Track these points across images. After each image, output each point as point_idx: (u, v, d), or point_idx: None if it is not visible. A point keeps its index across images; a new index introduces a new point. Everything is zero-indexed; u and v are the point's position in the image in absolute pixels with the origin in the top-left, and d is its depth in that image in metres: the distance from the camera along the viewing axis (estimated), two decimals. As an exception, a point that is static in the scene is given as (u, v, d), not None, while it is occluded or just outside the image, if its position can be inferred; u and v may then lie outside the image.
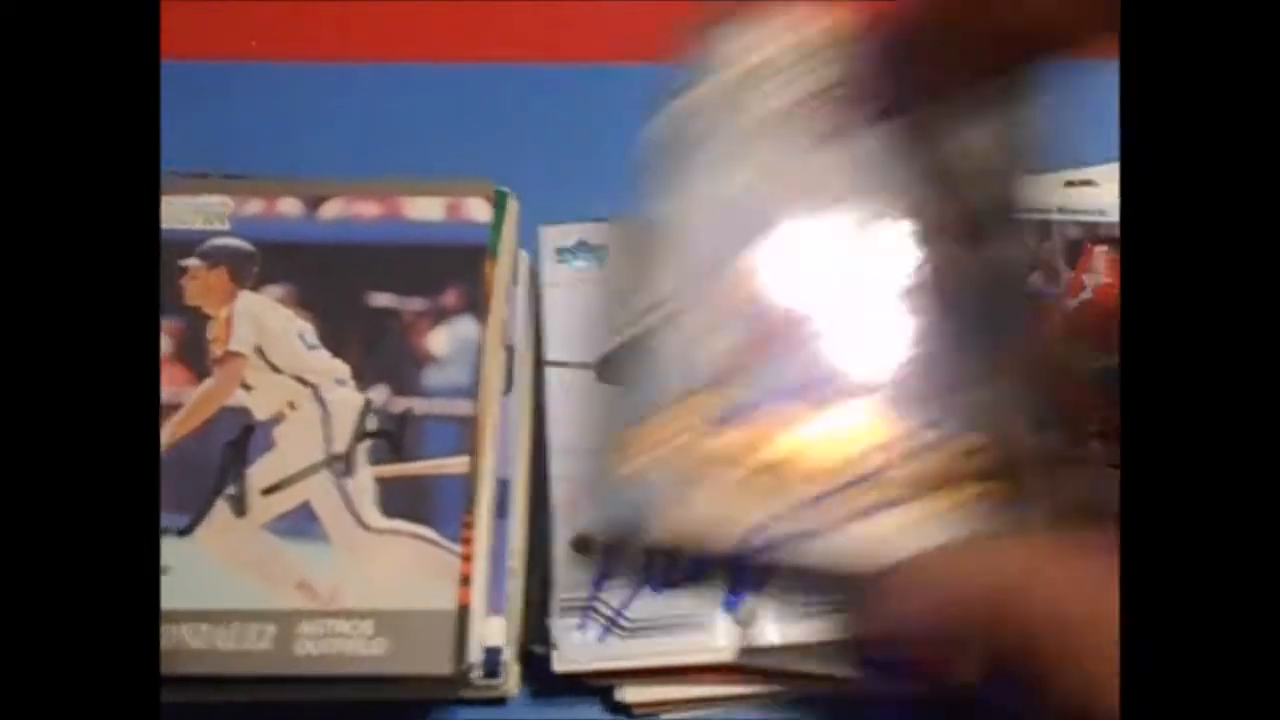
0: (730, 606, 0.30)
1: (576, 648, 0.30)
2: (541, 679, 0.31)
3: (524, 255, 0.37)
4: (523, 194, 0.36)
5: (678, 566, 0.30)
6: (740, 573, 0.30)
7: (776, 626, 0.30)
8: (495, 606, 0.30)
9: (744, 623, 0.30)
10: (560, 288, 0.35)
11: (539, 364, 0.34)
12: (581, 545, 0.31)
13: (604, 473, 0.31)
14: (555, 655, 0.30)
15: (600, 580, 0.31)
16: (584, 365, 0.33)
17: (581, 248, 0.36)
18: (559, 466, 0.32)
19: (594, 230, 0.36)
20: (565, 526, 0.31)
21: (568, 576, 0.31)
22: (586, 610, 0.31)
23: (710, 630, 0.30)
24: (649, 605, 0.30)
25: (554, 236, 0.36)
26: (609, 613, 0.30)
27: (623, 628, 0.30)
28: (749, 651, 0.30)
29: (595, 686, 0.31)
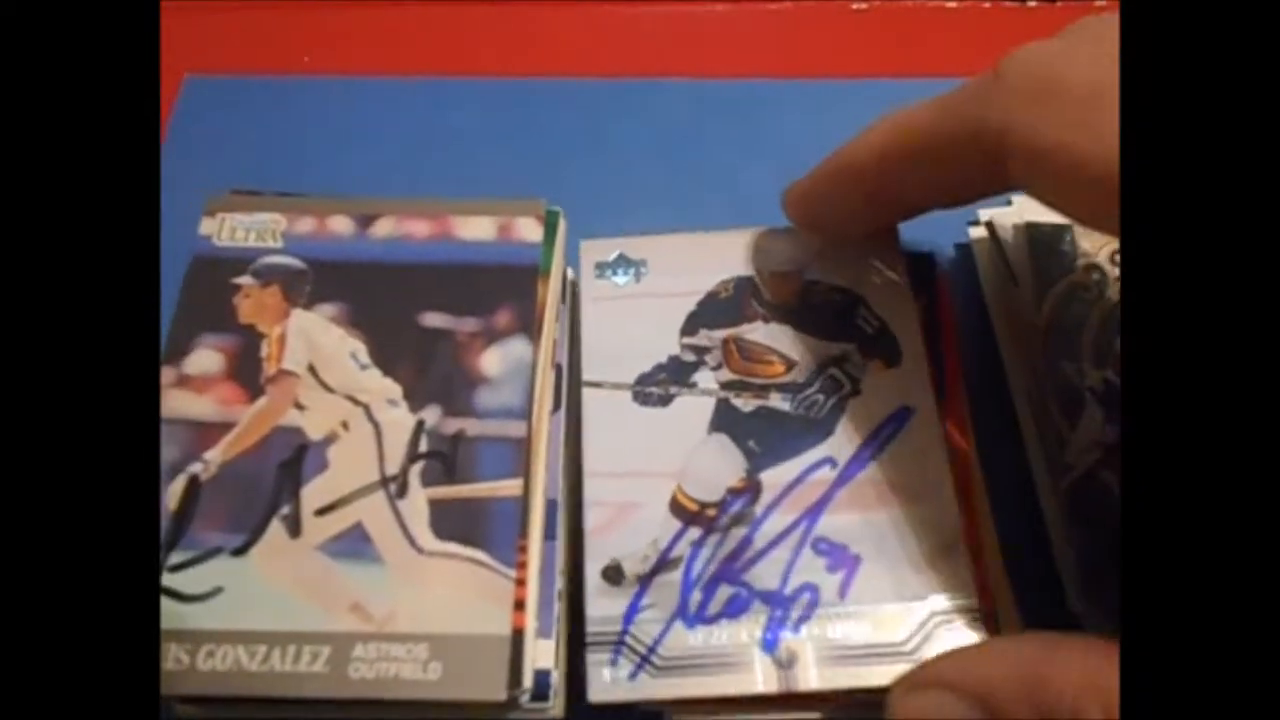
0: (769, 647, 0.29)
1: (608, 685, 0.29)
2: (587, 704, 0.30)
3: (569, 271, 0.36)
4: (568, 209, 0.36)
5: (714, 600, 0.30)
6: (780, 609, 0.30)
7: (817, 670, 0.29)
8: (544, 629, 0.30)
9: (784, 664, 0.29)
10: (600, 302, 0.35)
11: (577, 382, 0.34)
12: (612, 575, 0.31)
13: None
14: (588, 689, 0.29)
15: (631, 613, 0.30)
16: (620, 386, 0.33)
17: (621, 262, 0.36)
18: (591, 490, 0.32)
19: (633, 244, 0.36)
20: (596, 555, 0.31)
21: (598, 608, 0.30)
22: (618, 646, 0.30)
23: (749, 670, 0.29)
24: (683, 641, 0.30)
25: (593, 251, 0.36)
26: (641, 649, 0.30)
27: (655, 665, 0.29)
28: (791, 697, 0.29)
29: (647, 713, 0.30)
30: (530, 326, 0.33)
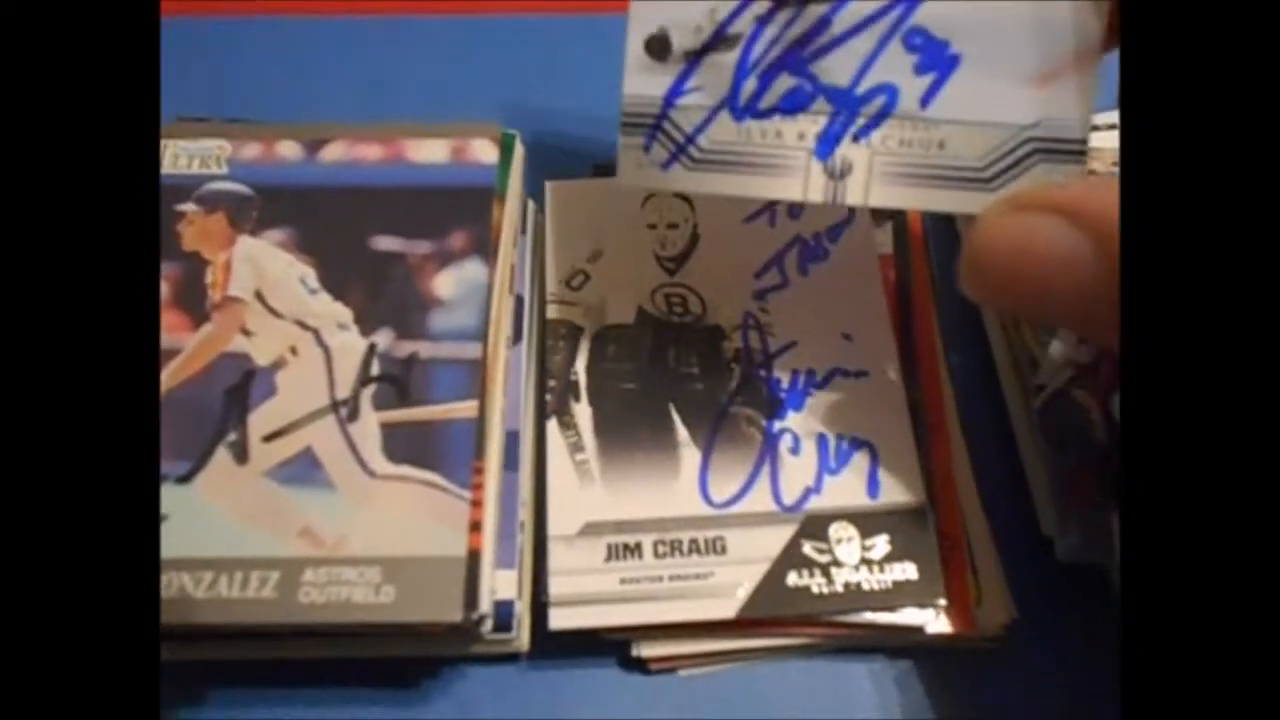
0: (823, 154, 0.25)
1: (638, 169, 0.26)
2: (553, 636, 0.29)
3: (531, 205, 0.36)
4: (530, 142, 0.35)
5: (770, 90, 0.25)
6: (845, 110, 0.25)
7: (873, 186, 0.25)
8: (505, 560, 0.29)
9: (835, 174, 0.25)
10: None
11: (543, 315, 0.33)
12: (657, 47, 0.26)
13: None
14: (618, 171, 0.26)
15: (674, 95, 0.26)
16: None
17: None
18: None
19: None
20: (641, 21, 0.26)
21: (637, 85, 0.26)
22: (654, 129, 0.26)
23: (794, 175, 0.25)
24: (728, 132, 0.25)
25: None
26: (679, 137, 0.26)
27: (692, 157, 0.26)
28: (836, 204, 0.26)
29: (610, 641, 0.30)
30: (485, 249, 0.31)
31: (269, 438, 0.29)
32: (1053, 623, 0.31)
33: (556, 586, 0.29)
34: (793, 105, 0.25)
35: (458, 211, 0.32)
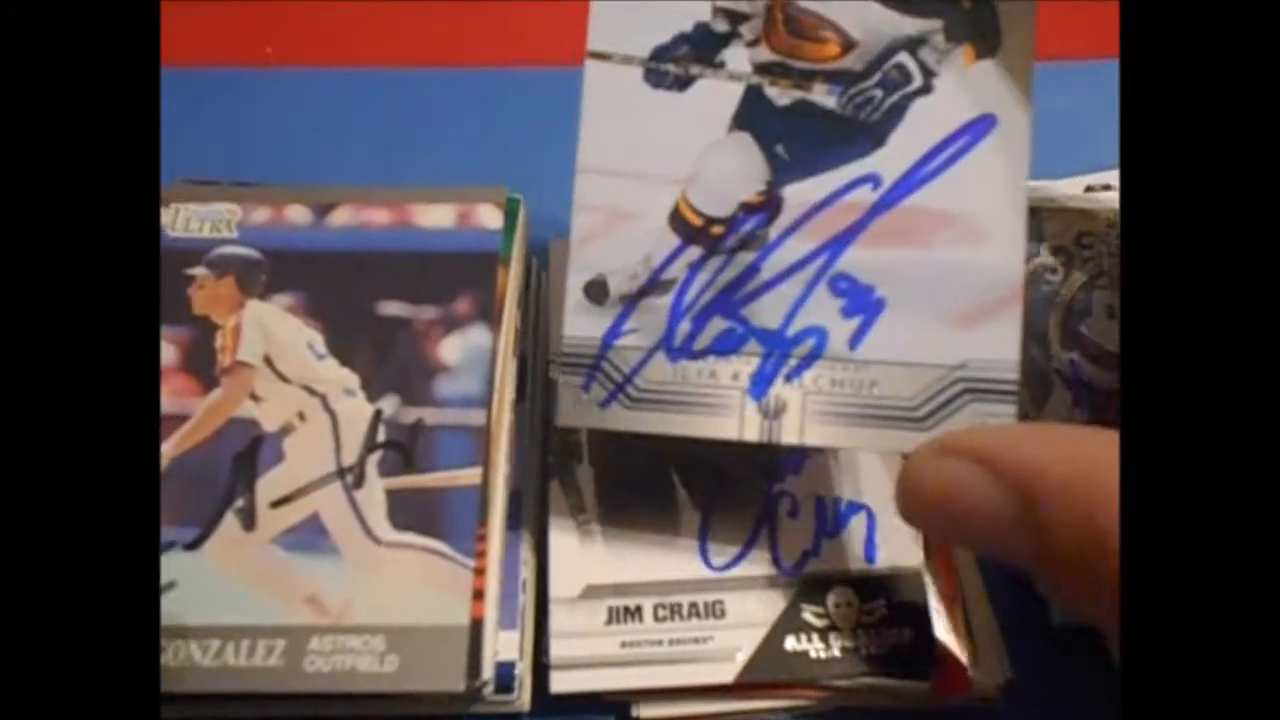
0: (757, 394, 0.26)
1: (576, 407, 0.27)
2: (554, 697, 0.30)
3: (534, 261, 0.36)
4: (533, 199, 0.35)
5: (704, 332, 0.26)
6: (776, 352, 0.26)
7: (807, 425, 0.26)
8: (507, 622, 0.29)
9: (770, 413, 0.26)
10: None
11: (546, 374, 0.34)
12: (595, 292, 0.27)
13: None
14: (556, 413, 0.27)
15: (611, 336, 0.27)
16: (630, 60, 0.27)
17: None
18: (582, 191, 0.28)
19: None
20: (580, 267, 0.27)
21: (577, 326, 0.27)
22: (593, 370, 0.27)
23: (729, 415, 0.26)
24: (664, 373, 0.26)
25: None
26: (617, 377, 0.27)
27: (630, 395, 0.27)
28: (770, 447, 0.26)
29: (611, 702, 0.30)
30: (490, 314, 0.32)
31: (276, 504, 0.29)
32: (1048, 684, 0.31)
33: (558, 649, 0.30)
34: (725, 347, 0.26)
35: (463, 276, 0.33)
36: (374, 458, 0.30)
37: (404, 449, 0.30)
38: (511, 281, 0.33)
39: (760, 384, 0.26)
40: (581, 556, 0.31)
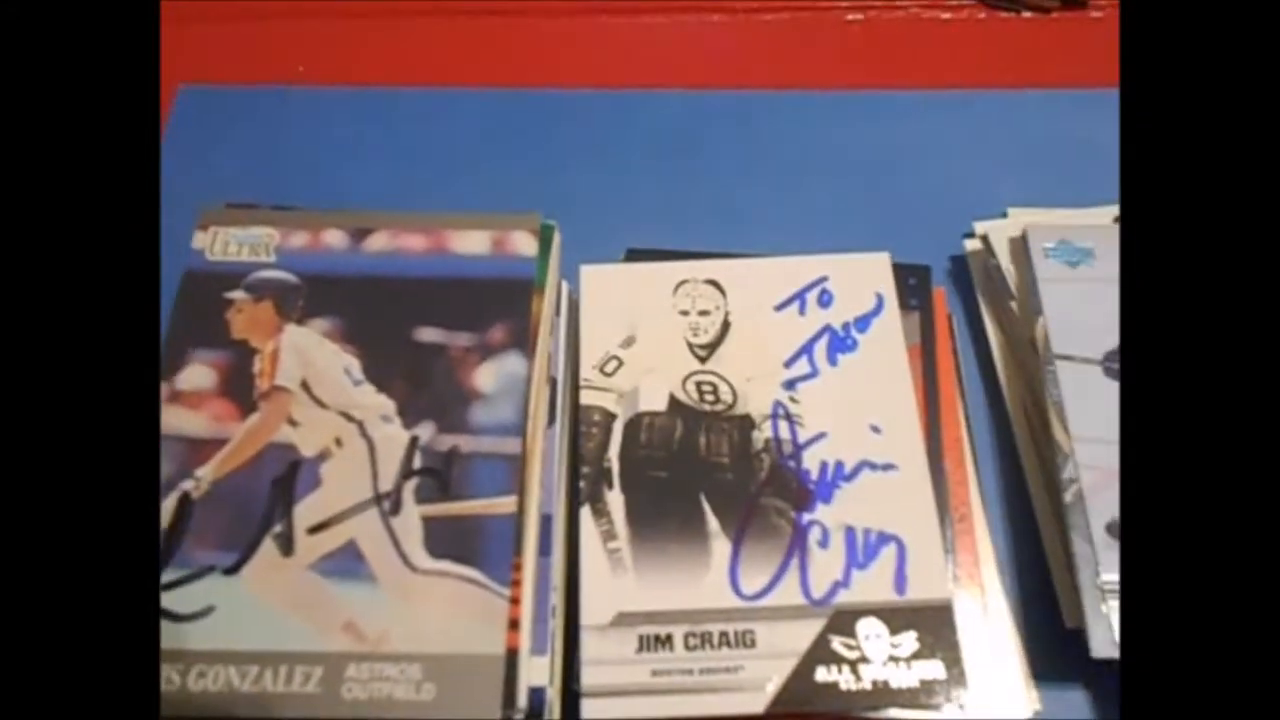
0: None
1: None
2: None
3: (565, 285, 0.36)
4: (564, 221, 0.36)
5: None
6: None
7: None
8: (538, 647, 0.30)
9: None
10: (1055, 284, 0.36)
11: (576, 401, 0.34)
12: (1116, 530, 0.31)
13: None
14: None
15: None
16: (1089, 360, 0.34)
17: (1066, 247, 0.37)
18: (1083, 455, 0.32)
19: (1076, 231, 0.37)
20: (1098, 512, 0.31)
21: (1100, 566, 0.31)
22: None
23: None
24: None
25: (1039, 236, 0.37)
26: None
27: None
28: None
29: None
30: (525, 341, 0.32)
31: (314, 530, 0.30)
32: (1076, 715, 0.31)
33: (589, 677, 0.30)
34: None
35: (498, 304, 0.33)
36: (410, 484, 0.30)
37: (440, 476, 0.30)
38: (545, 308, 0.33)
39: None
40: (613, 582, 0.31)
